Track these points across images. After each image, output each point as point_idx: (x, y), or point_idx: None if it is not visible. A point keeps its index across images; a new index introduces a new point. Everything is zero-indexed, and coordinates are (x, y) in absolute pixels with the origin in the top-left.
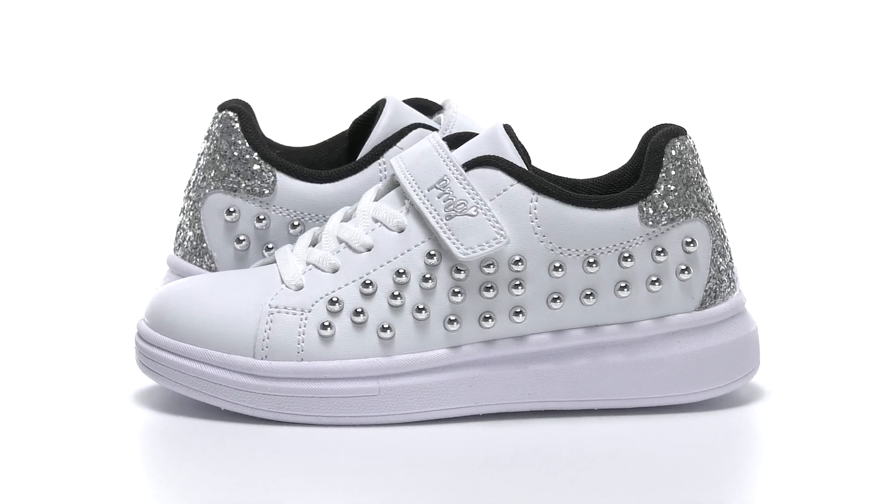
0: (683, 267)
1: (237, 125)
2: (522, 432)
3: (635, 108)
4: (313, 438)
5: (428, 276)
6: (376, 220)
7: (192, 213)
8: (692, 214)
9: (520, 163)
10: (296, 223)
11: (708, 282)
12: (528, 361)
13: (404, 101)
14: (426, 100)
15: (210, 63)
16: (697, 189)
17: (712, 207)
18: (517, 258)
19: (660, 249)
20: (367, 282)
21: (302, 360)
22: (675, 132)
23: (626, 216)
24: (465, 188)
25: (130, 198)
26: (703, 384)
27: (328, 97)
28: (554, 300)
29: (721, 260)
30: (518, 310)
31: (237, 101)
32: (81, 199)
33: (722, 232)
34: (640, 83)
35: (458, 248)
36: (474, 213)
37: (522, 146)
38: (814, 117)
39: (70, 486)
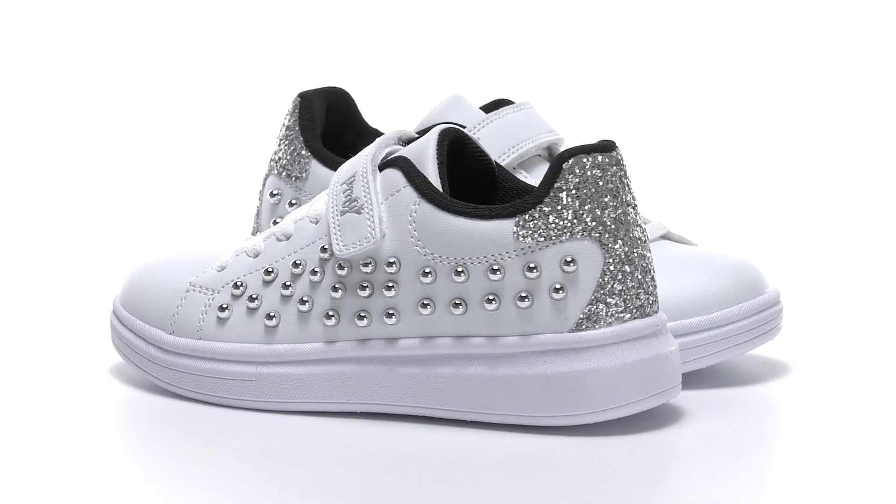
0: (558, 286)
1: (298, 111)
2: (388, 434)
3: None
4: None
5: (317, 269)
6: (308, 211)
7: (259, 195)
8: (580, 234)
9: (433, 167)
10: None
11: (589, 304)
12: (397, 364)
13: (495, 100)
14: (507, 100)
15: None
16: (597, 209)
17: (616, 229)
18: (392, 260)
19: (532, 266)
20: (270, 269)
21: (200, 338)
22: (584, 149)
23: (499, 228)
24: (363, 186)
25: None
26: (570, 408)
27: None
28: (423, 305)
29: (615, 285)
30: (390, 311)
31: (321, 88)
32: (190, 179)
33: (627, 256)
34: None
35: (337, 244)
36: (360, 212)
37: (479, 153)
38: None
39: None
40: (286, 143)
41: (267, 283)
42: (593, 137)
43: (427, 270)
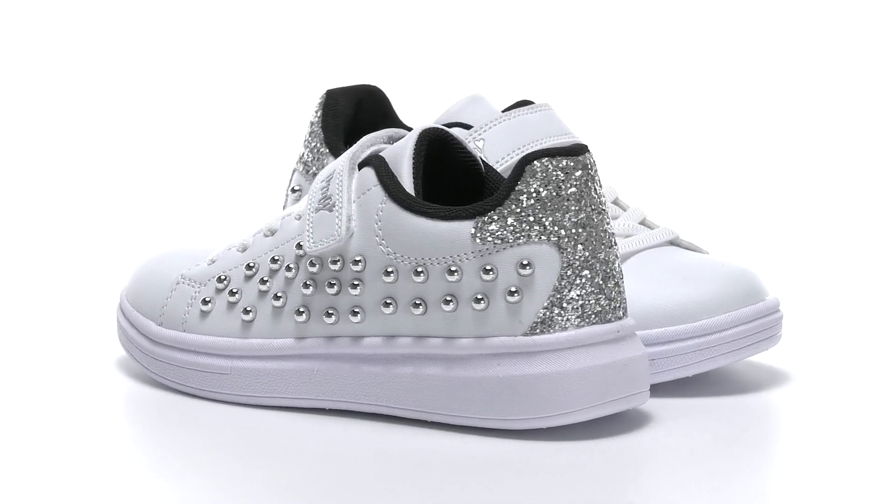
0: (513, 289)
1: (323, 108)
2: (350, 432)
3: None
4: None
5: (292, 265)
6: (295, 208)
7: (286, 190)
8: (537, 237)
9: (408, 167)
10: None
11: (543, 309)
12: (361, 363)
13: (518, 101)
14: (529, 101)
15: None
16: (557, 212)
17: (577, 234)
18: (358, 258)
19: (488, 268)
20: (252, 264)
21: (184, 330)
22: (550, 152)
23: (458, 230)
24: (338, 184)
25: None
26: (522, 412)
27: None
28: (386, 305)
29: (572, 291)
30: (356, 310)
31: (352, 86)
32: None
33: (587, 261)
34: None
35: (308, 240)
36: (331, 210)
37: (464, 153)
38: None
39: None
40: (309, 139)
41: (248, 278)
42: (614, 140)
43: (389, 269)
